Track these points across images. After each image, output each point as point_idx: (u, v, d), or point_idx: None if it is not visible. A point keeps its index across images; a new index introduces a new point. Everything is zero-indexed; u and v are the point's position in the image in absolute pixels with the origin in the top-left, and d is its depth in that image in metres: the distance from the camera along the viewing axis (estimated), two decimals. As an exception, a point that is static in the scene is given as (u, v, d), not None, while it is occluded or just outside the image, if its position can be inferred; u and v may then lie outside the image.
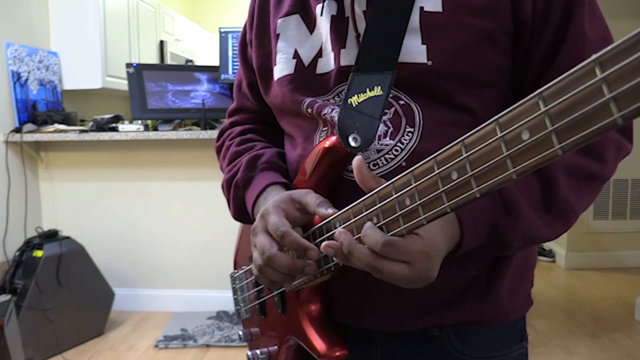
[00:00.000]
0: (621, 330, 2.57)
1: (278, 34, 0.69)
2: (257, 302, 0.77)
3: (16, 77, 2.78)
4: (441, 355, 0.65)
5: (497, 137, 0.37)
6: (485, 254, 0.58)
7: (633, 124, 0.60)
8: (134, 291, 2.91)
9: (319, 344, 0.63)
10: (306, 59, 0.67)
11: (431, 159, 0.43)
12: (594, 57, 0.31)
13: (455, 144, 0.41)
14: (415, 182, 0.45)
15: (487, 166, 0.38)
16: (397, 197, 0.47)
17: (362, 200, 0.51)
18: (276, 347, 0.74)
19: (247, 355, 0.77)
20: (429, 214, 0.44)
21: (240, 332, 0.83)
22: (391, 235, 0.48)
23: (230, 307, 2.80)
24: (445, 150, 0.42)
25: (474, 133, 0.40)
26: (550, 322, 2.69)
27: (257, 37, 0.74)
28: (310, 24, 0.67)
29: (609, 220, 3.59)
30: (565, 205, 0.56)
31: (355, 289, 0.64)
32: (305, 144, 0.67)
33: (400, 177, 0.47)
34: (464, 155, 0.40)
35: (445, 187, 0.42)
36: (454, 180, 0.41)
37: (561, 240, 3.71)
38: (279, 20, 0.69)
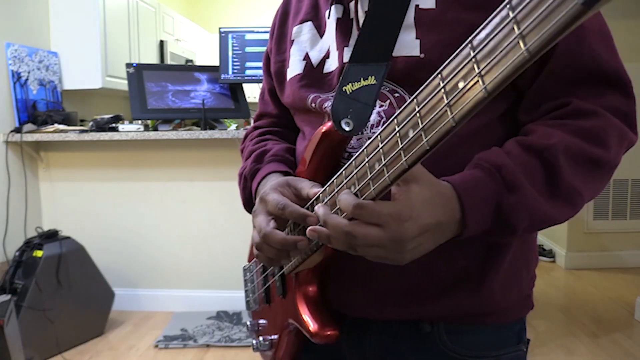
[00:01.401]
0: (621, 330, 2.57)
1: (292, 40, 0.75)
2: (262, 289, 0.81)
3: (16, 77, 2.78)
4: (433, 352, 0.65)
5: (439, 88, 0.40)
6: (490, 239, 0.58)
7: (636, 116, 0.61)
8: (134, 291, 2.91)
9: (311, 323, 0.66)
10: (315, 60, 0.72)
11: (393, 119, 0.46)
12: (507, 0, 0.33)
13: (411, 101, 0.43)
14: (381, 145, 0.47)
15: (432, 118, 0.41)
16: (368, 161, 0.49)
17: (343, 171, 0.54)
18: (278, 334, 0.77)
19: (252, 344, 0.81)
20: (390, 172, 0.46)
21: (249, 323, 0.86)
22: (363, 198, 0.50)
23: (230, 307, 2.80)
24: (404, 109, 0.44)
25: (424, 88, 0.42)
26: (550, 322, 2.69)
27: (276, 45, 0.80)
28: (321, 29, 0.72)
29: (609, 220, 3.59)
30: (570, 188, 0.56)
31: (351, 278, 0.66)
32: (311, 135, 0.70)
33: (370, 143, 0.49)
34: (417, 110, 0.43)
35: (403, 145, 0.44)
36: (409, 137, 0.43)
37: (561, 240, 3.71)
38: (294, 28, 0.75)
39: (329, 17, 0.70)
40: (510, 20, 0.33)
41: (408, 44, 0.61)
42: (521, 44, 0.32)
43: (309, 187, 0.62)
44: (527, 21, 0.32)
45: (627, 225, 3.59)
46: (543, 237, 4.02)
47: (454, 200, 0.52)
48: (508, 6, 0.33)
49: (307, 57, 0.73)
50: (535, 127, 0.59)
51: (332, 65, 0.69)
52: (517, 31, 0.33)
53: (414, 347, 0.66)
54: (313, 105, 0.70)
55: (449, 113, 0.39)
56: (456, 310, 0.64)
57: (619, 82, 0.60)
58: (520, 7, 0.32)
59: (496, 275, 0.63)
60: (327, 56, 0.70)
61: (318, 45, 0.72)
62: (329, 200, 0.56)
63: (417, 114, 0.42)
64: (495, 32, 0.35)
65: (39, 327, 2.28)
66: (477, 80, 0.36)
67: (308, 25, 0.74)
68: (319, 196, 0.59)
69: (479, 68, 0.36)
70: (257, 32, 2.71)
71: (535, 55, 0.32)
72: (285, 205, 0.60)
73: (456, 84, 0.38)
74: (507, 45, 0.34)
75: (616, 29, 0.62)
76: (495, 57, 0.35)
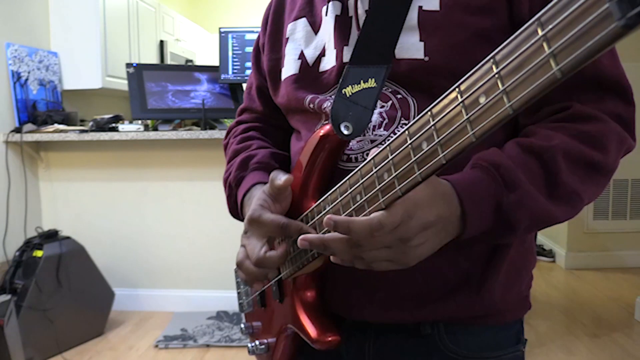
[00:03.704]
0: (621, 330, 2.57)
1: (287, 38, 0.74)
2: (257, 292, 0.80)
3: (16, 77, 2.78)
4: (433, 353, 0.65)
5: (458, 103, 0.39)
6: (491, 240, 0.57)
7: (635, 121, 0.61)
8: (134, 291, 2.91)
9: (312, 329, 0.65)
10: (310, 58, 0.70)
11: (404, 131, 0.45)
12: (536, 17, 0.32)
13: (425, 114, 0.43)
14: (391, 156, 0.46)
15: (450, 132, 0.40)
16: (376, 172, 0.48)
17: (347, 179, 0.53)
18: (275, 338, 0.75)
19: (248, 347, 0.79)
20: (403, 184, 0.45)
21: (243, 325, 0.85)
22: (371, 209, 0.49)
23: (230, 307, 2.80)
24: (417, 121, 0.44)
25: (440, 102, 0.41)
26: (550, 322, 2.69)
27: (270, 42, 0.78)
28: (316, 25, 0.71)
29: (609, 220, 3.59)
30: (569, 190, 0.56)
31: (349, 281, 0.65)
32: (307, 137, 0.69)
33: (379, 153, 0.48)
34: (432, 124, 0.41)
35: (416, 157, 0.43)
36: (424, 150, 0.43)
37: (561, 240, 3.71)
38: (289, 25, 0.74)
39: (326, 14, 0.69)
40: (540, 38, 0.31)
41: (412, 46, 0.60)
42: (552, 63, 0.31)
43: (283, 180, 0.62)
44: (559, 40, 0.30)
45: (627, 225, 3.59)
46: (543, 237, 4.02)
47: (453, 197, 0.52)
48: (537, 22, 0.32)
49: (302, 56, 0.71)
50: (536, 129, 0.59)
51: (328, 63, 0.68)
52: (547, 50, 0.31)
53: (413, 349, 0.66)
54: (311, 105, 0.68)
55: (469, 128, 0.38)
56: (457, 312, 0.63)
57: (619, 87, 0.60)
58: (551, 25, 0.31)
59: (496, 276, 0.63)
60: (322, 54, 0.69)
61: (313, 43, 0.70)
62: (331, 208, 0.56)
63: (433, 127, 0.41)
64: (523, 49, 0.33)
65: (39, 327, 2.28)
66: (501, 97, 0.35)
67: (302, 22, 0.72)
68: (320, 203, 0.58)
69: (503, 84, 0.35)
70: (257, 32, 2.70)
71: (567, 75, 0.31)
72: (288, 224, 0.61)
73: (477, 99, 0.37)
74: (537, 63, 0.32)
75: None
76: (522, 74, 0.33)
